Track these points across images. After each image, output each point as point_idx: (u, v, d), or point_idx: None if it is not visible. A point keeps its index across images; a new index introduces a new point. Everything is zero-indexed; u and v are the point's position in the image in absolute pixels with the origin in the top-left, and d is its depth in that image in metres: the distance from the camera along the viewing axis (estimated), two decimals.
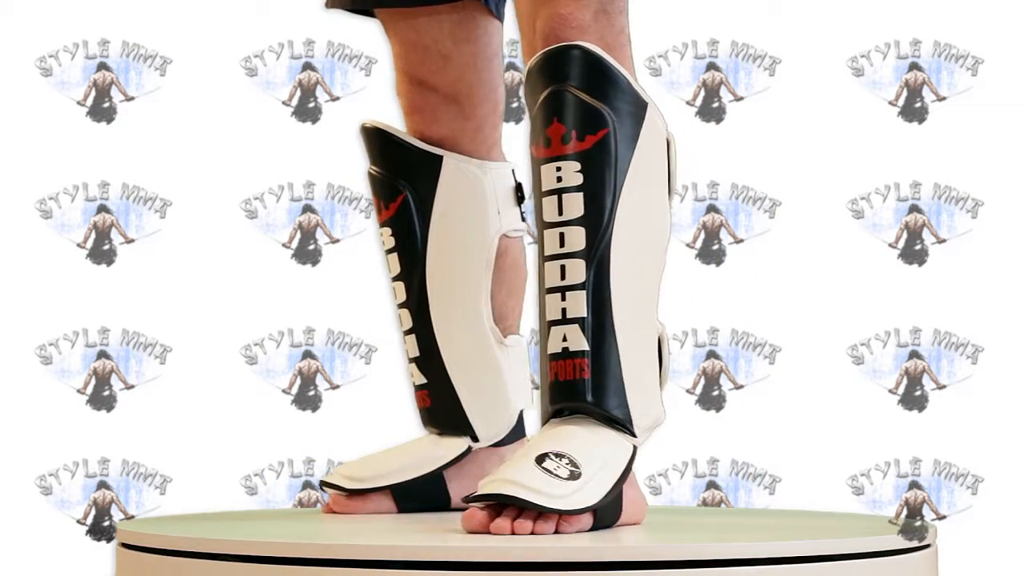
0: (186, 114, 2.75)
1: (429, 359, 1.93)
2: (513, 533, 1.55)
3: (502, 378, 1.94)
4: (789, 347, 2.74)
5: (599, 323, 1.64)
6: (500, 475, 1.60)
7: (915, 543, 1.59)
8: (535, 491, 1.57)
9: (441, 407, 1.93)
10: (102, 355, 2.72)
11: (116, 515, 2.70)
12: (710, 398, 2.74)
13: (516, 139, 2.76)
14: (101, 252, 2.75)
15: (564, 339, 1.65)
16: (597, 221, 1.64)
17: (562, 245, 1.65)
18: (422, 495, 1.91)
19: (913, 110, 2.76)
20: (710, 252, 2.76)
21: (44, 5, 2.75)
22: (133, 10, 2.76)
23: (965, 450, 2.71)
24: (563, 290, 1.65)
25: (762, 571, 1.46)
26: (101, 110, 2.76)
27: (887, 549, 1.56)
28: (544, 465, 1.59)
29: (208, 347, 2.72)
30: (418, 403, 1.96)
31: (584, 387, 1.65)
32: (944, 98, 2.76)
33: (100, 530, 2.69)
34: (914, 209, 2.75)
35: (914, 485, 2.71)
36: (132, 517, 2.67)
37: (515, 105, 2.78)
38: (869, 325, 2.74)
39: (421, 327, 1.93)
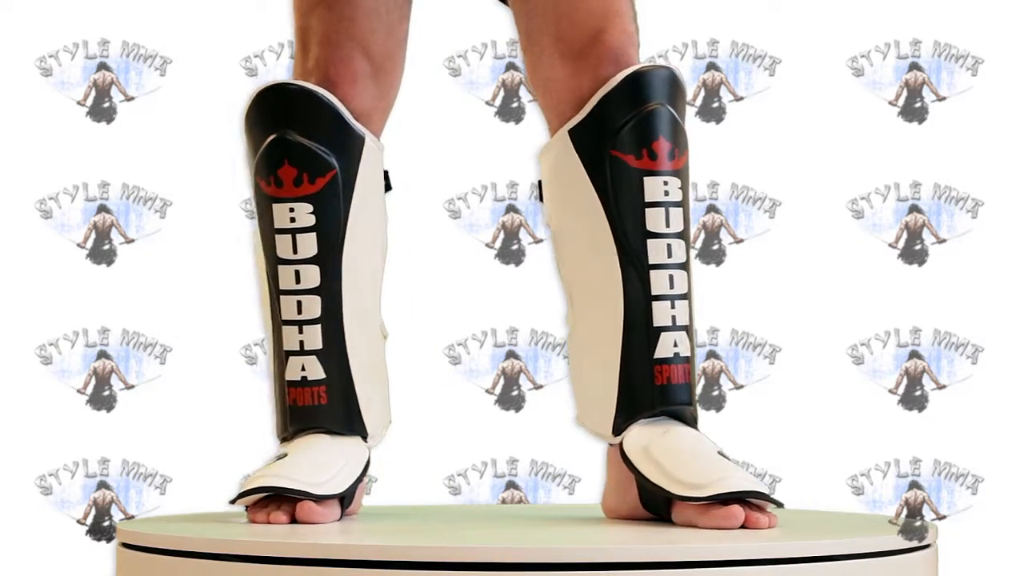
0: (186, 114, 2.75)
1: (332, 353, 1.81)
2: (769, 526, 1.65)
3: (385, 375, 1.90)
4: (789, 347, 2.74)
5: (692, 330, 1.78)
6: (723, 473, 1.68)
7: (915, 543, 1.59)
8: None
9: (339, 406, 1.82)
10: (102, 355, 2.72)
11: (116, 515, 2.70)
12: (710, 398, 2.74)
13: (516, 138, 2.76)
14: (101, 252, 2.75)
15: (675, 344, 1.75)
16: (688, 235, 1.79)
17: (669, 256, 1.76)
18: (349, 499, 1.84)
19: (913, 110, 2.76)
20: (710, 252, 2.76)
21: (44, 5, 2.75)
22: (133, 10, 2.76)
23: (965, 450, 2.71)
24: (672, 299, 1.76)
25: (762, 571, 1.46)
26: (101, 110, 2.76)
27: (887, 549, 1.56)
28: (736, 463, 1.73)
29: (208, 347, 2.72)
30: (305, 400, 1.81)
31: (689, 390, 1.77)
32: (944, 98, 2.77)
33: (100, 530, 2.69)
34: (914, 209, 2.75)
35: (914, 485, 2.71)
36: (132, 517, 2.67)
37: (515, 105, 2.78)
38: (869, 325, 2.74)
39: (329, 317, 1.81)
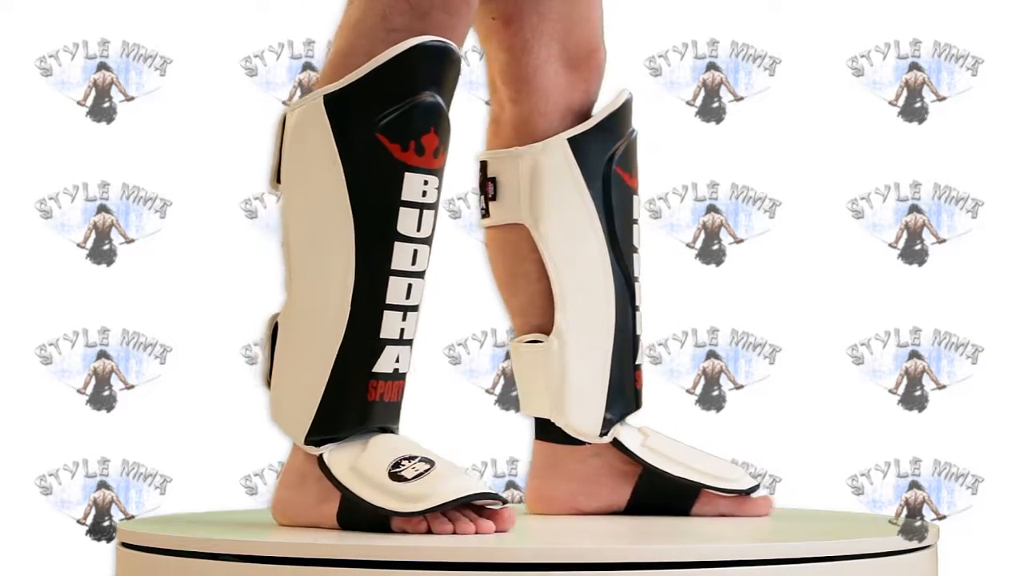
0: (186, 114, 2.75)
1: (412, 344, 1.66)
2: None
3: None
4: (789, 347, 2.74)
5: None
6: (735, 467, 1.84)
7: (915, 543, 1.59)
8: None
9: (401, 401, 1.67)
10: (102, 355, 2.72)
11: (116, 515, 2.70)
12: (710, 398, 2.74)
13: None
14: (101, 252, 2.75)
15: (641, 352, 1.86)
16: None
17: (638, 270, 1.85)
18: None
19: (913, 110, 2.76)
20: (710, 252, 2.76)
21: (44, 5, 2.75)
22: (133, 10, 2.76)
23: (965, 450, 2.71)
24: (639, 309, 1.85)
25: (762, 571, 1.46)
26: (101, 110, 2.76)
27: (887, 549, 1.56)
28: None
29: (208, 347, 2.72)
30: (392, 395, 1.64)
31: None
32: (944, 98, 2.77)
33: (100, 530, 2.69)
34: (914, 209, 2.75)
35: (914, 485, 2.71)
36: (132, 517, 2.67)
37: None
38: (869, 325, 2.74)
39: (420, 305, 1.67)
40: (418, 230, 1.61)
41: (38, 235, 2.74)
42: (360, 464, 1.60)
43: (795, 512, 1.95)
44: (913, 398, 2.73)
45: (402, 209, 1.60)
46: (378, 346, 1.61)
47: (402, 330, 1.62)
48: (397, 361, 1.62)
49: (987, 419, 2.72)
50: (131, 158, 2.75)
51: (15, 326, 2.73)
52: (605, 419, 1.81)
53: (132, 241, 2.75)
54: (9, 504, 2.70)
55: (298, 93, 2.77)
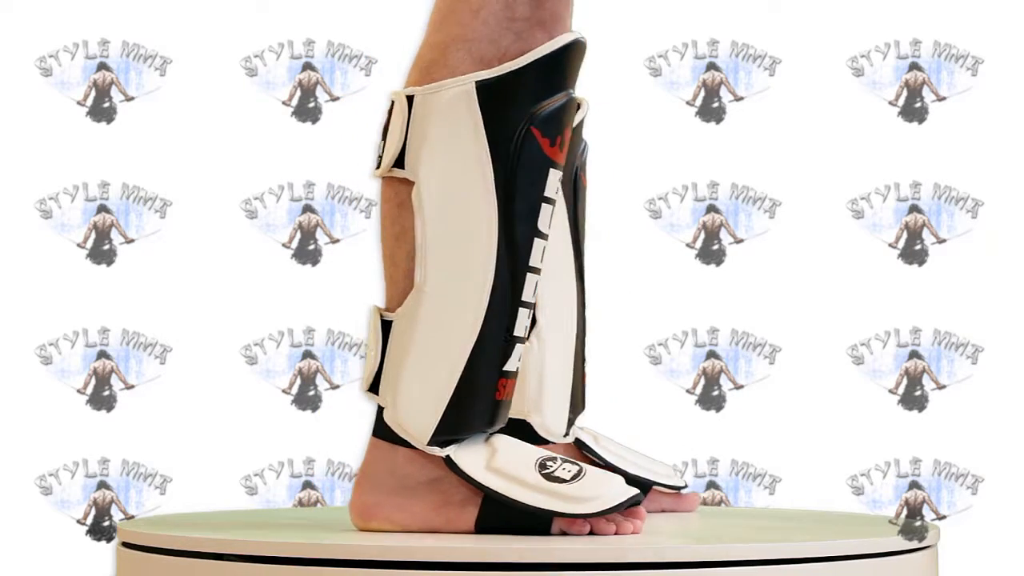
0: (186, 114, 2.75)
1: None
2: None
3: None
4: (789, 347, 2.74)
5: None
6: (667, 467, 1.87)
7: (915, 543, 1.59)
8: None
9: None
10: (102, 355, 2.72)
11: (116, 515, 2.70)
12: (710, 398, 2.74)
13: None
14: (101, 252, 2.75)
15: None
16: None
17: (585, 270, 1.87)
18: None
19: (913, 110, 2.76)
20: (710, 252, 2.76)
21: (44, 5, 2.75)
22: (133, 10, 2.76)
23: (965, 450, 2.71)
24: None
25: (762, 571, 1.46)
26: (101, 110, 2.76)
27: (887, 550, 1.56)
28: None
29: (208, 347, 2.72)
30: (511, 394, 1.58)
31: None
32: (944, 98, 2.76)
33: (100, 530, 2.69)
34: (914, 209, 2.75)
35: (914, 485, 2.71)
36: (132, 517, 2.67)
37: None
38: (869, 325, 2.74)
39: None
40: (548, 227, 1.56)
41: (38, 235, 2.74)
42: (499, 465, 1.54)
43: (795, 512, 1.95)
44: (913, 398, 2.73)
45: (543, 204, 1.55)
46: (510, 344, 1.55)
47: (527, 327, 1.57)
48: (519, 360, 1.57)
49: (987, 419, 2.72)
50: (131, 158, 2.75)
51: (15, 326, 2.73)
52: (568, 419, 1.83)
53: (132, 241, 2.75)
54: (9, 504, 2.70)
55: (298, 93, 2.77)
